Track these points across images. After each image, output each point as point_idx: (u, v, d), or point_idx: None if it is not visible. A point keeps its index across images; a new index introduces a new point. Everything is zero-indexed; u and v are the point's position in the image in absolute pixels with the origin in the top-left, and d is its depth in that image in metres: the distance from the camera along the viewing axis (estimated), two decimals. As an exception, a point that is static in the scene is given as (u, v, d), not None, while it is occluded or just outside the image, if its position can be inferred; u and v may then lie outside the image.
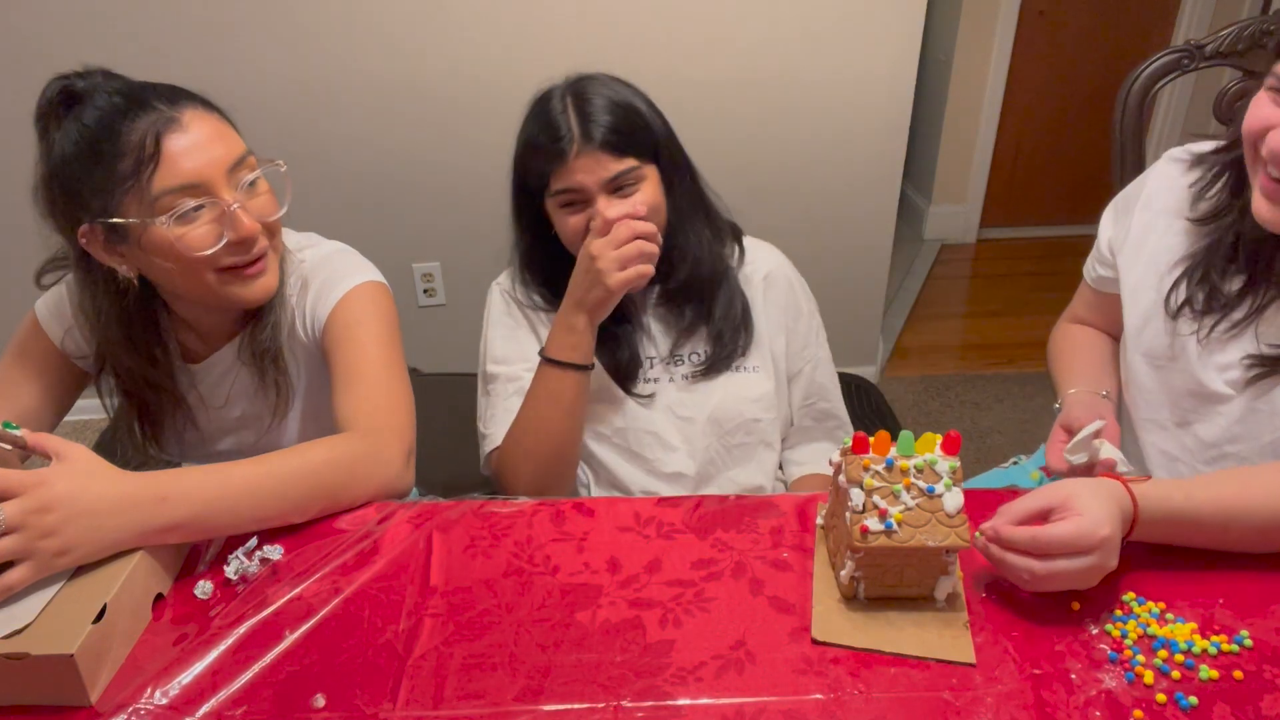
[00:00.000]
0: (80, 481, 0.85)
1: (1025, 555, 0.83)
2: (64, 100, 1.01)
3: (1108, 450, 1.08)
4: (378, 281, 1.19)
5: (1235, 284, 1.04)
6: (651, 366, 1.28)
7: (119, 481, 0.87)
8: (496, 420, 1.26)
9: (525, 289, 1.31)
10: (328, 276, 1.17)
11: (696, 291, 1.26)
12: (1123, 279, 1.17)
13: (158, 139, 0.97)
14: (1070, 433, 1.15)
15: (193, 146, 0.99)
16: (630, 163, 1.15)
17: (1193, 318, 1.07)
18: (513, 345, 1.30)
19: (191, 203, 0.99)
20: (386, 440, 1.04)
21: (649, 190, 1.17)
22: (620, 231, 1.12)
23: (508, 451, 1.22)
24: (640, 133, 1.17)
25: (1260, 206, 0.96)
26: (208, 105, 1.05)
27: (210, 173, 1.00)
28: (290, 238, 1.20)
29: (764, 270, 1.31)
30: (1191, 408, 1.09)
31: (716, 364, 1.27)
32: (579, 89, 1.17)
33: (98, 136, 0.97)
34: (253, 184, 1.05)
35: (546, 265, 1.28)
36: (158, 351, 1.16)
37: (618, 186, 1.16)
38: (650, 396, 1.27)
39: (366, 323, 1.14)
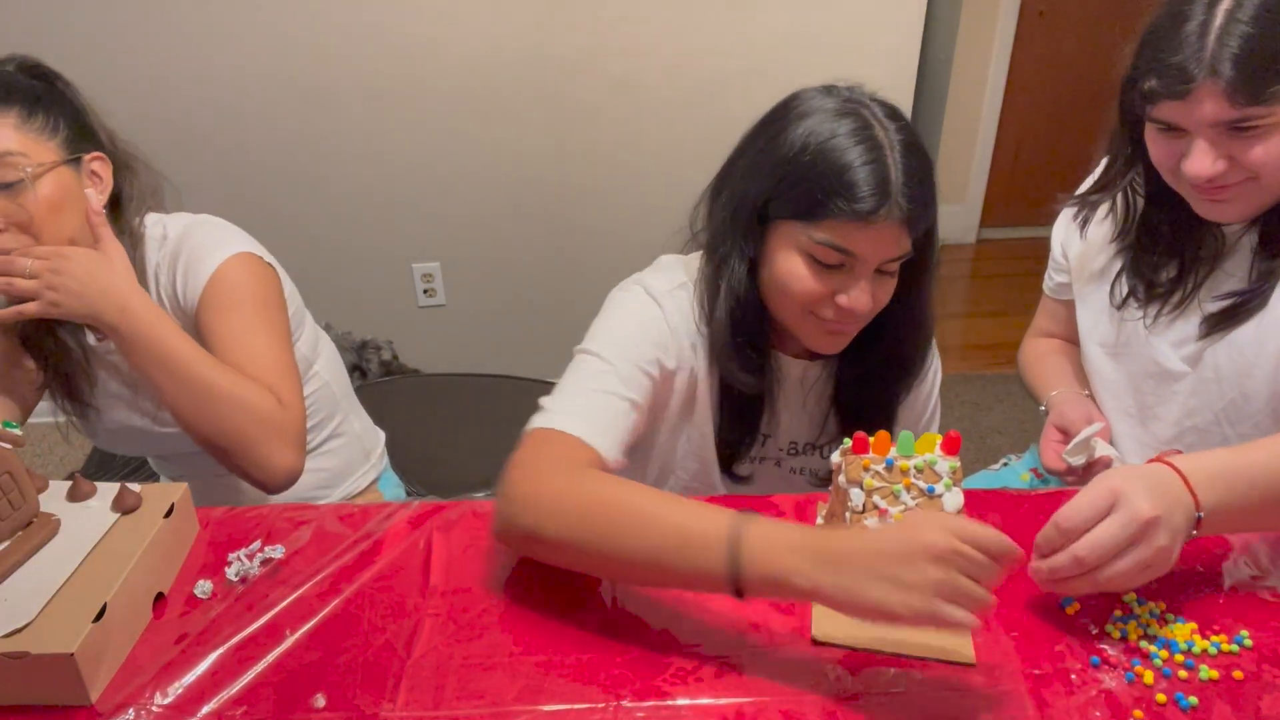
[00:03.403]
0: (92, 264, 1.04)
1: (1062, 549, 0.79)
2: None
3: (1103, 448, 1.10)
4: (247, 251, 1.14)
5: (1169, 271, 1.09)
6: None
7: (115, 277, 1.05)
8: (571, 399, 0.95)
9: (705, 317, 1.04)
10: (192, 252, 1.14)
11: None
12: (1075, 276, 1.22)
13: None
14: (1064, 432, 1.16)
15: None
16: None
17: (1137, 306, 1.12)
18: (641, 350, 1.01)
19: None
20: (289, 419, 1.08)
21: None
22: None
23: (544, 511, 0.85)
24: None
25: (1203, 209, 1.00)
26: (7, 104, 1.03)
27: None
28: (152, 218, 1.18)
29: None
30: (1150, 390, 1.13)
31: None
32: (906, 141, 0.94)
33: None
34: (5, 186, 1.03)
35: (753, 310, 1.02)
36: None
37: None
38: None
39: (241, 302, 1.12)
